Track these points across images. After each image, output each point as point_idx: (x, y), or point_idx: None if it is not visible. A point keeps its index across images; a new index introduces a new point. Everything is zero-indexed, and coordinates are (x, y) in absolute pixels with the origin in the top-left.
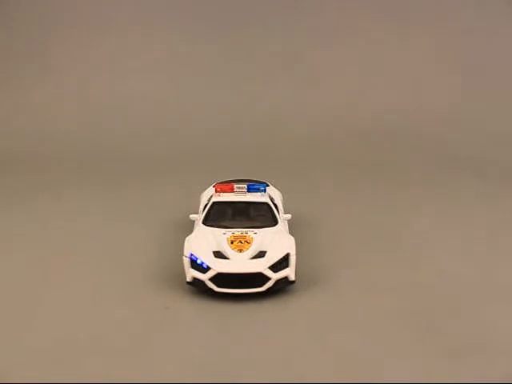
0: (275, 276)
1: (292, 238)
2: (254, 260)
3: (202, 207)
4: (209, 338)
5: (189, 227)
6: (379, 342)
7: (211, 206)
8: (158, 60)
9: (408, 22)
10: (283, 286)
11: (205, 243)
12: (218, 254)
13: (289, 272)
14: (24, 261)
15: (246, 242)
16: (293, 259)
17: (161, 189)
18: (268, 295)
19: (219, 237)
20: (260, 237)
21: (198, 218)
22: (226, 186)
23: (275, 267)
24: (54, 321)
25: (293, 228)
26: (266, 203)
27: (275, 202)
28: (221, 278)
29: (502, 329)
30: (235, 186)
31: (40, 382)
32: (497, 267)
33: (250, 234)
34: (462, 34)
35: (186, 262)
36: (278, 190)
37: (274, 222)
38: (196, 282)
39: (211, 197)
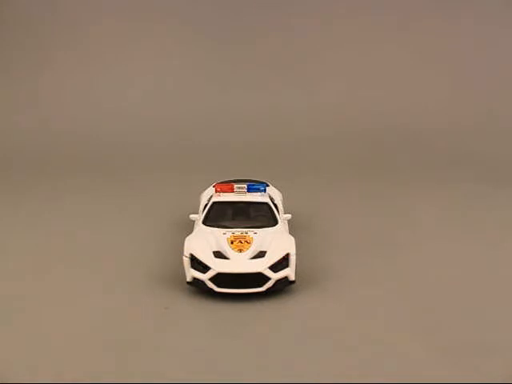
0: (275, 276)
1: (292, 238)
2: (254, 260)
3: (201, 207)
4: (209, 337)
5: (189, 227)
6: (379, 341)
7: (211, 205)
8: (158, 60)
9: (408, 23)
10: (283, 286)
11: (205, 243)
12: (218, 254)
13: (289, 272)
14: (24, 261)
15: (245, 242)
16: (293, 259)
17: (161, 189)
18: (268, 295)
19: (219, 237)
20: (260, 237)
21: (198, 217)
22: (225, 185)
23: (275, 267)
24: (53, 321)
25: (293, 228)
26: (266, 203)
27: (275, 202)
28: (221, 278)
29: (502, 329)
30: (235, 185)
31: (41, 381)
32: (497, 267)
33: (249, 234)
34: (462, 35)
35: (186, 261)
36: (278, 190)
37: (273, 222)
38: (196, 282)
39: (211, 197)
